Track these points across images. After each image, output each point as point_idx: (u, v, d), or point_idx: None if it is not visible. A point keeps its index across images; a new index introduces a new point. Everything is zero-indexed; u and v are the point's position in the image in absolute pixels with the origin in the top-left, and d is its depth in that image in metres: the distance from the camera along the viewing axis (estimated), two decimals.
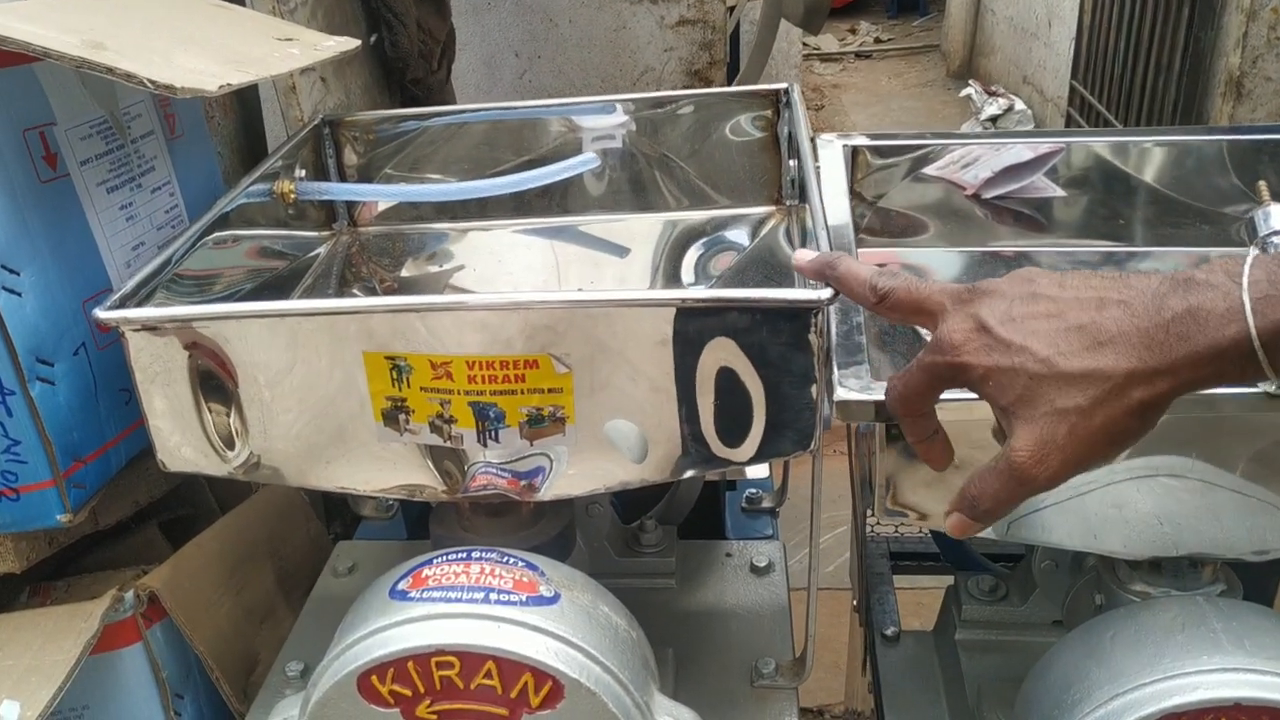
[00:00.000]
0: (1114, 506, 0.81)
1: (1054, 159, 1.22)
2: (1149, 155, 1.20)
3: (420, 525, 1.18)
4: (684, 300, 0.69)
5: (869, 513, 0.80)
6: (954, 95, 5.23)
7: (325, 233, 1.16)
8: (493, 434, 0.74)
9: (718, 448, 0.74)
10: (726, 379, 0.71)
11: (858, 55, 6.49)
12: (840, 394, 0.72)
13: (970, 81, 5.02)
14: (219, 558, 1.07)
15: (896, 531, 1.39)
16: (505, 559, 0.75)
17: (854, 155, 1.14)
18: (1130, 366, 0.57)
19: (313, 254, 1.13)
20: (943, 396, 0.67)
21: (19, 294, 0.85)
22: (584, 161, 1.02)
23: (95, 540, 1.13)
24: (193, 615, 0.98)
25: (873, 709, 1.22)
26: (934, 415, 0.66)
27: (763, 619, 1.00)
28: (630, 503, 1.10)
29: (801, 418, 0.72)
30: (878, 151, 1.16)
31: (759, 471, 1.26)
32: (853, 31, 6.91)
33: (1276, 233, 0.74)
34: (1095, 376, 0.57)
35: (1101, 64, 3.29)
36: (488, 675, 0.69)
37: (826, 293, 0.68)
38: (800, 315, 0.69)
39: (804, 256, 0.69)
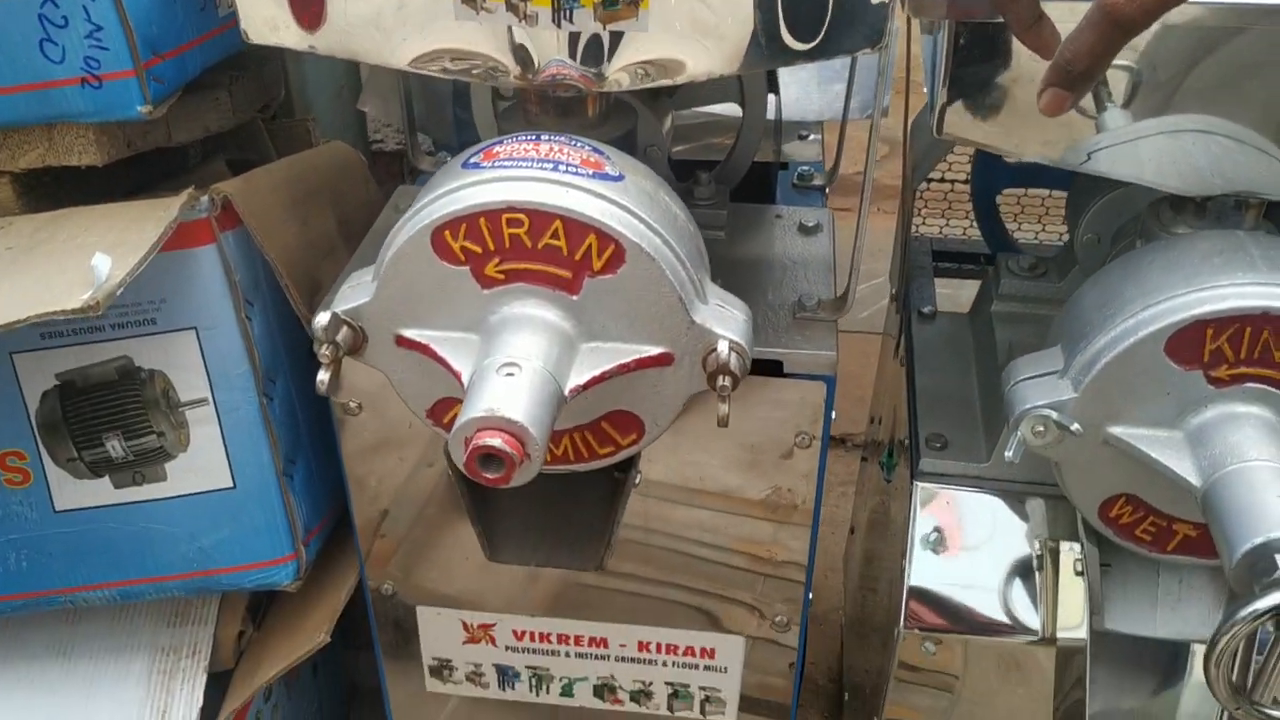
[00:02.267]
0: (1171, 150, 0.82)
1: None
2: None
3: None
4: None
5: (935, 125, 0.81)
6: None
7: None
8: (567, 13, 0.75)
9: (788, 38, 0.75)
10: None
11: None
12: None
13: None
14: (287, 185, 1.11)
15: (940, 233, 1.41)
16: (573, 141, 0.78)
17: None
18: None
19: None
20: None
21: None
22: None
23: (165, 171, 1.18)
24: (265, 226, 1.02)
25: (891, 438, 1.28)
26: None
27: (808, 267, 1.03)
28: (685, 165, 1.13)
29: (871, 9, 0.73)
30: None
31: (810, 153, 1.28)
32: None
33: None
34: None
35: None
36: (554, 236, 0.73)
37: None
38: None
39: None
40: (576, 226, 0.73)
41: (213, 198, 0.99)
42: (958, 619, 0.96)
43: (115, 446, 1.03)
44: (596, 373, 0.75)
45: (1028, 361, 0.84)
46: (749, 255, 1.06)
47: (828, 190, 1.23)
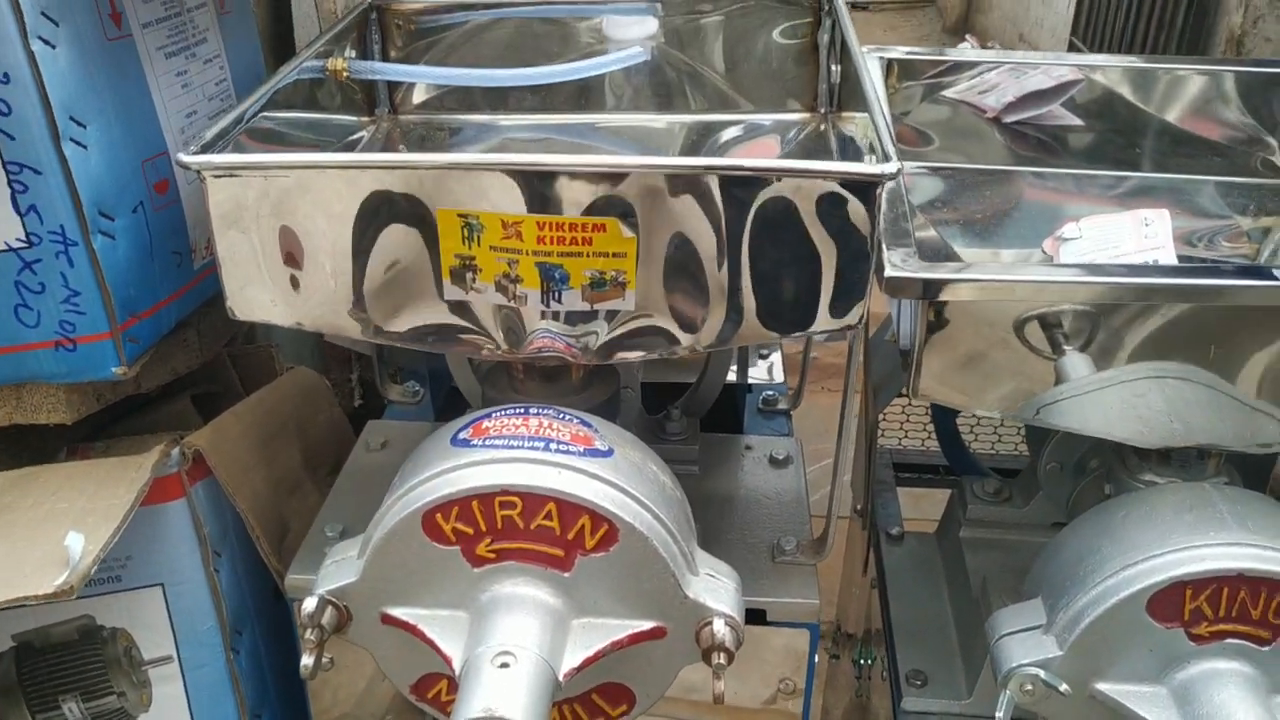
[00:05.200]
0: (1131, 400, 0.85)
1: (1074, 88, 1.26)
2: (1166, 88, 1.24)
3: (447, 409, 1.22)
4: (754, 170, 0.72)
5: (911, 388, 0.84)
6: None
7: (366, 118, 1.18)
8: (556, 295, 0.77)
9: (768, 318, 0.77)
10: (783, 250, 0.75)
11: (854, 6, 6.48)
12: (890, 271, 0.76)
13: (966, 37, 5.04)
14: (253, 428, 1.10)
15: (900, 444, 1.44)
16: (561, 415, 0.79)
17: (888, 69, 1.18)
18: None
19: (354, 138, 1.15)
20: (956, 276, 0.70)
21: (85, 146, 0.87)
22: (632, 55, 1.05)
23: (128, 409, 1.16)
24: (233, 476, 1.01)
25: (864, 631, 1.28)
26: None
27: (783, 505, 1.04)
28: (655, 397, 1.15)
29: (853, 292, 0.76)
30: (912, 66, 1.19)
31: (775, 375, 1.31)
32: None
33: None
34: None
35: (1103, 20, 3.32)
36: (547, 517, 0.73)
37: (892, 167, 0.71)
38: (863, 188, 0.72)
39: None
40: (570, 508, 0.73)
41: (184, 451, 0.98)
42: None
43: (72, 709, 0.99)
44: (590, 653, 0.74)
45: (1011, 614, 0.85)
46: (722, 491, 1.07)
47: (791, 414, 1.26)
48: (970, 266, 0.80)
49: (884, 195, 0.74)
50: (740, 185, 0.73)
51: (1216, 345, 0.82)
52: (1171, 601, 0.77)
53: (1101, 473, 0.98)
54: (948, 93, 1.28)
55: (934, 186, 1.19)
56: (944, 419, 1.24)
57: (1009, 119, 1.26)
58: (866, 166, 0.72)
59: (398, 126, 1.19)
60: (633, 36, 1.22)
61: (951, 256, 0.97)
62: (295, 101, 1.03)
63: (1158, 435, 0.86)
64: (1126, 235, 1.02)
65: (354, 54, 1.09)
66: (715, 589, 0.77)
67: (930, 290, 0.76)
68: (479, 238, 0.76)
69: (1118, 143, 1.25)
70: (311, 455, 1.22)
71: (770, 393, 1.25)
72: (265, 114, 0.95)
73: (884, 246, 0.78)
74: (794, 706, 0.95)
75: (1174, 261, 0.96)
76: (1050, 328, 0.82)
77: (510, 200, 0.74)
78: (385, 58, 1.19)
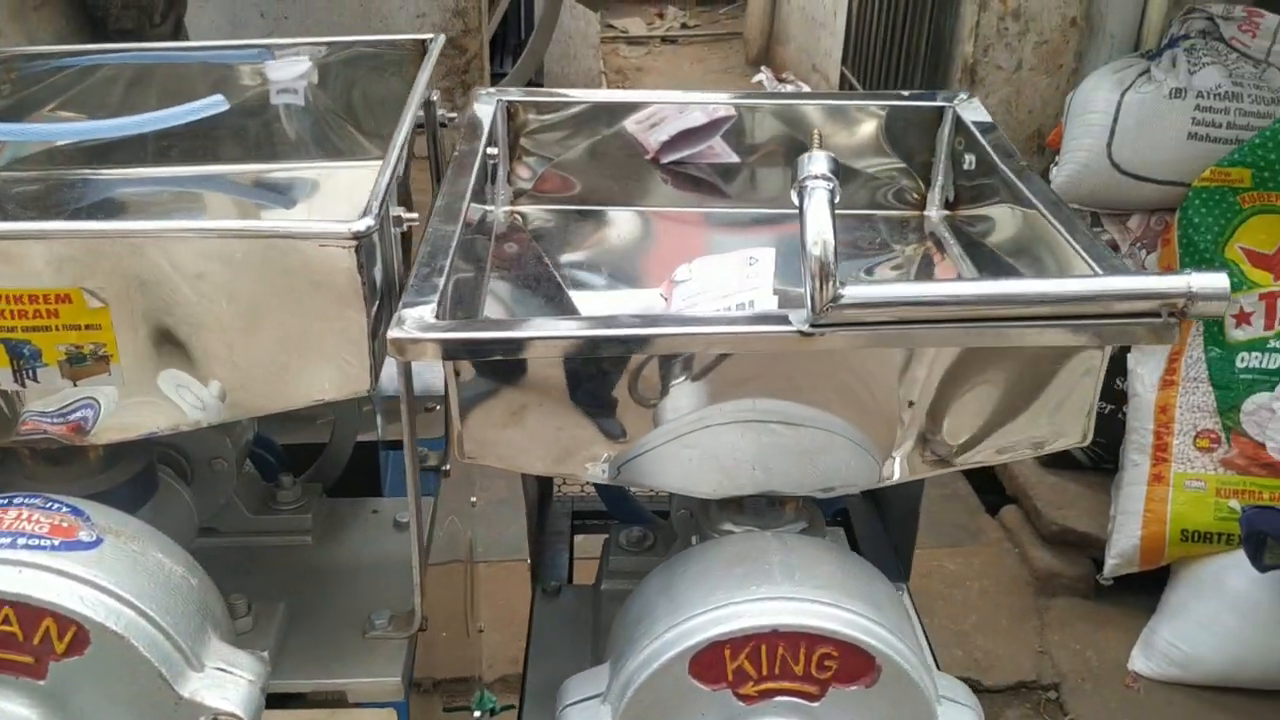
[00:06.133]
0: (700, 449, 0.82)
1: (727, 124, 1.25)
2: (819, 122, 1.23)
3: None
4: (218, 231, 0.67)
5: (457, 449, 0.79)
6: (749, 81, 5.34)
7: None
8: (30, 373, 0.71)
9: (269, 388, 0.72)
10: (272, 314, 0.70)
11: (664, 40, 6.54)
12: (393, 332, 0.71)
13: (762, 68, 5.14)
14: None
15: (581, 491, 1.41)
16: (49, 505, 0.72)
17: (512, 112, 1.15)
18: None
19: None
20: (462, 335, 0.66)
21: None
22: (212, 104, 0.99)
23: None
24: None
25: None
26: None
27: (393, 572, 0.99)
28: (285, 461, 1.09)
29: (349, 354, 0.71)
30: (537, 108, 1.16)
31: (437, 428, 1.25)
32: (660, 16, 6.96)
33: (813, 176, 0.76)
34: None
35: (865, 50, 3.42)
36: (6, 622, 0.66)
37: (363, 224, 0.67)
38: (338, 247, 0.68)
39: None
40: (29, 611, 0.66)
41: None
42: None
43: None
44: None
45: (579, 682, 0.81)
46: (333, 561, 1.01)
47: (447, 470, 1.20)
48: (482, 324, 0.76)
49: (369, 250, 0.69)
50: (210, 250, 0.67)
51: (778, 391, 0.80)
52: (713, 662, 0.74)
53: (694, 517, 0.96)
54: (627, 124, 1.25)
55: (567, 230, 1.16)
56: None
57: (666, 159, 1.25)
58: (335, 225, 0.67)
59: None
60: (282, 78, 1.17)
61: (530, 310, 0.94)
62: None
63: (730, 484, 0.83)
64: (731, 275, 1.01)
65: None
66: (222, 684, 0.71)
67: (448, 350, 0.71)
68: None
69: (767, 178, 1.24)
70: None
71: (421, 450, 1.20)
72: None
73: (400, 304, 0.73)
74: None
75: (771, 300, 0.94)
76: (598, 382, 0.78)
77: None
78: None
